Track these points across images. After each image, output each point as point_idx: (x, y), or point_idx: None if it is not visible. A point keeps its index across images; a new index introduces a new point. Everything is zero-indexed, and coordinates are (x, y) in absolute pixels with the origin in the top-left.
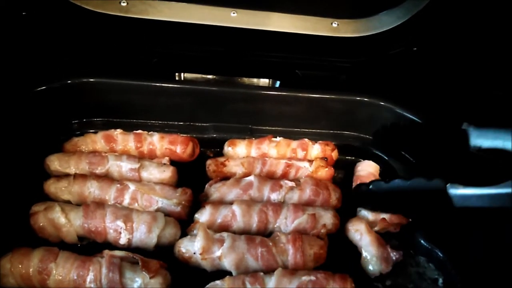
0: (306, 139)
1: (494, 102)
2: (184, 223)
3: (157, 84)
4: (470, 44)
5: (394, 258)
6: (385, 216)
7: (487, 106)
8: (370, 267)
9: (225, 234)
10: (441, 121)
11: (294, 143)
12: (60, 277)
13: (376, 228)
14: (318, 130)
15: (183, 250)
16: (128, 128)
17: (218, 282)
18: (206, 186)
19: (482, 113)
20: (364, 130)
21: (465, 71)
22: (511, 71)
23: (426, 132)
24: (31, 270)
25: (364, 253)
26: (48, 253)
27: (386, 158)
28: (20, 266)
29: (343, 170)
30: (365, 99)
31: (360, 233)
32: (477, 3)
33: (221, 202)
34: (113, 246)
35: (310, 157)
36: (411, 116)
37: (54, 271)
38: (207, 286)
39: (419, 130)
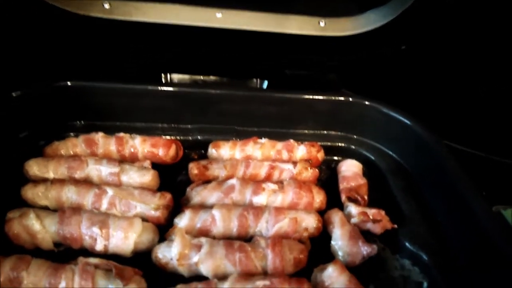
0: (291, 140)
1: (480, 101)
2: (164, 228)
3: (140, 87)
4: (457, 42)
5: (364, 252)
6: (367, 210)
7: (473, 105)
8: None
9: (203, 240)
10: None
11: (279, 145)
12: (31, 286)
13: (354, 220)
14: (304, 131)
15: (160, 256)
16: (111, 131)
17: None
18: (188, 189)
19: (468, 112)
20: (351, 130)
21: (453, 69)
22: (499, 68)
23: (413, 132)
24: (2, 278)
25: (333, 244)
26: (20, 261)
27: (373, 158)
28: None
29: (329, 170)
30: (350, 99)
31: (333, 225)
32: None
33: (202, 206)
34: (90, 252)
35: (295, 158)
36: (398, 116)
37: (26, 280)
38: None
39: (406, 130)
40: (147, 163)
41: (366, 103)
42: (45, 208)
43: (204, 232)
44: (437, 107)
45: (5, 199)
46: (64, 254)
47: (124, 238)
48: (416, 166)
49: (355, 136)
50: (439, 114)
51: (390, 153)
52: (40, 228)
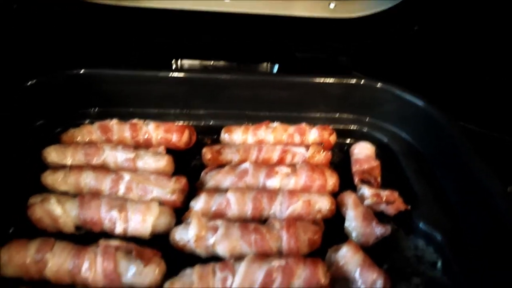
0: (303, 124)
1: (493, 81)
2: (180, 211)
3: (150, 73)
4: (471, 20)
5: (378, 233)
6: (380, 192)
7: (486, 85)
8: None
9: (219, 222)
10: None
11: (291, 128)
12: (56, 267)
13: (368, 202)
14: (316, 114)
15: (178, 238)
16: (124, 117)
17: (187, 270)
18: (202, 174)
19: (481, 92)
20: (363, 113)
21: (466, 50)
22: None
23: (426, 113)
24: (28, 260)
25: (347, 225)
26: (44, 244)
27: (386, 140)
28: (17, 256)
29: (342, 153)
30: (362, 82)
31: (347, 207)
32: None
33: (217, 190)
34: (109, 235)
35: (307, 142)
36: (410, 98)
37: (50, 261)
38: (178, 275)
39: (419, 111)
40: (161, 149)
41: (378, 85)
42: (65, 194)
43: (219, 215)
44: (450, 88)
45: (26, 185)
46: (85, 237)
47: (142, 221)
48: (429, 147)
49: (367, 119)
50: (452, 95)
51: (403, 135)
52: (62, 213)
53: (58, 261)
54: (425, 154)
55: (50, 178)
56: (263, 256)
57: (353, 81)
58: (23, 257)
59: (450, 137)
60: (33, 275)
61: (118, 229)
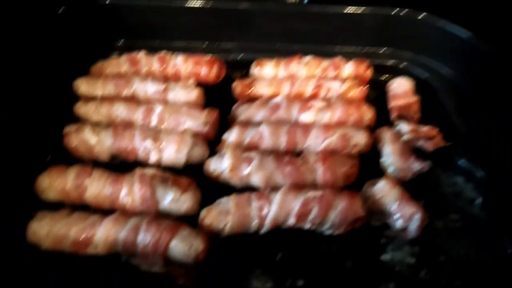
0: (338, 58)
1: None
2: (212, 144)
3: (177, 4)
4: None
5: (416, 168)
6: (419, 127)
7: None
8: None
9: (253, 153)
10: (490, 33)
11: (325, 62)
12: (96, 192)
13: (405, 138)
14: (351, 48)
15: (213, 169)
16: (152, 50)
17: (223, 199)
18: (233, 108)
19: None
20: (402, 47)
21: None
22: None
23: (472, 47)
24: (68, 185)
25: (383, 160)
26: (83, 170)
27: (425, 76)
28: (58, 181)
29: (377, 90)
30: (402, 13)
31: (383, 142)
32: None
33: (249, 123)
34: (144, 164)
35: (342, 76)
36: (454, 30)
37: (89, 187)
38: (214, 203)
39: (463, 44)
40: (191, 81)
41: (420, 16)
42: (98, 124)
43: (252, 147)
44: (496, 20)
45: (60, 116)
46: (120, 166)
47: (176, 151)
48: (472, 83)
49: (406, 53)
50: (499, 27)
51: (444, 70)
52: (96, 142)
53: (97, 187)
54: (467, 90)
55: (83, 109)
56: (299, 187)
57: (392, 12)
58: (63, 182)
59: (495, 72)
60: (74, 200)
61: (153, 159)
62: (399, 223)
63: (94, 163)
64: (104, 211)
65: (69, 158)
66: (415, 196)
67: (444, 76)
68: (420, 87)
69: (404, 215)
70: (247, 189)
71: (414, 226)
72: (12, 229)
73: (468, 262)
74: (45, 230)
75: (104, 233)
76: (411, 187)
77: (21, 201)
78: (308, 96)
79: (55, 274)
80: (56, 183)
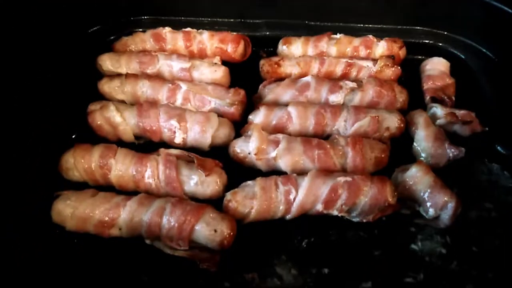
0: (370, 36)
1: None
2: (238, 125)
3: None
4: None
5: (451, 154)
6: (455, 111)
7: None
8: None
9: (280, 136)
10: None
11: (356, 40)
12: (120, 172)
13: (440, 122)
14: (383, 26)
15: (238, 151)
16: (176, 26)
17: (249, 182)
18: (260, 87)
19: None
20: (437, 25)
21: None
22: None
23: None
24: (93, 164)
25: (415, 145)
26: (108, 150)
27: (463, 57)
28: (82, 160)
29: (411, 70)
30: None
31: (417, 126)
32: None
33: (276, 104)
34: (168, 145)
35: (374, 55)
36: (498, 5)
37: (114, 167)
38: (239, 186)
39: (507, 22)
40: (217, 59)
41: None
42: (122, 102)
43: (279, 129)
44: None
45: (84, 93)
46: (145, 147)
47: (201, 132)
48: None
49: (443, 32)
50: None
51: (484, 50)
52: (121, 120)
53: (121, 167)
54: (507, 72)
55: (107, 86)
56: (327, 171)
57: None
58: (88, 161)
59: None
60: (98, 180)
61: (178, 139)
62: (431, 212)
63: (118, 143)
64: (128, 192)
65: (94, 137)
66: (448, 183)
67: (483, 57)
68: (457, 69)
69: (436, 203)
70: (274, 173)
71: (446, 215)
72: (37, 209)
73: (501, 254)
74: (70, 210)
75: (128, 215)
76: (444, 174)
77: (46, 180)
78: (338, 76)
79: (79, 256)
80: (80, 163)
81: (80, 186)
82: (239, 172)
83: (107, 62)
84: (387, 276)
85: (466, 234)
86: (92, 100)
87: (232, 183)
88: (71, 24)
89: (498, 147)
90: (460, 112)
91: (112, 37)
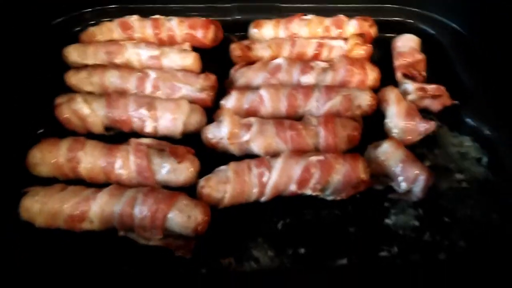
0: (341, 15)
1: None
2: (210, 110)
3: None
4: None
5: (422, 129)
6: (425, 86)
7: None
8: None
9: (252, 119)
10: None
11: (327, 20)
12: (90, 165)
13: (411, 97)
14: (355, 5)
15: (210, 136)
16: (145, 14)
17: (222, 167)
18: (231, 71)
19: None
20: (407, 2)
21: None
22: None
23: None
24: (61, 158)
25: (387, 122)
26: (76, 142)
27: (433, 32)
28: (49, 155)
29: (384, 48)
30: None
31: (388, 102)
32: None
33: (248, 88)
34: (139, 135)
35: (345, 35)
36: None
37: (83, 159)
38: (213, 172)
39: None
40: (186, 45)
41: None
42: (91, 94)
43: (252, 113)
44: None
45: (51, 86)
46: (116, 138)
47: (172, 120)
48: (483, 39)
49: (412, 9)
50: None
51: (453, 25)
52: (89, 112)
53: (91, 159)
54: (478, 46)
55: (74, 78)
56: (300, 152)
57: None
58: (55, 155)
59: (506, 27)
60: (67, 174)
61: (148, 128)
62: (403, 186)
63: (88, 136)
64: (99, 185)
65: (62, 131)
66: (420, 156)
67: (452, 33)
68: (427, 44)
69: (408, 177)
70: (248, 157)
71: (418, 188)
72: (4, 207)
73: (472, 223)
74: (38, 206)
75: (99, 207)
76: (415, 147)
77: (13, 177)
78: (310, 57)
79: (50, 252)
80: (48, 157)
81: (49, 182)
82: (212, 158)
83: (73, 54)
84: (362, 251)
85: (438, 206)
86: (60, 93)
87: (206, 170)
88: (34, 16)
89: (468, 120)
90: (430, 87)
91: (78, 28)
